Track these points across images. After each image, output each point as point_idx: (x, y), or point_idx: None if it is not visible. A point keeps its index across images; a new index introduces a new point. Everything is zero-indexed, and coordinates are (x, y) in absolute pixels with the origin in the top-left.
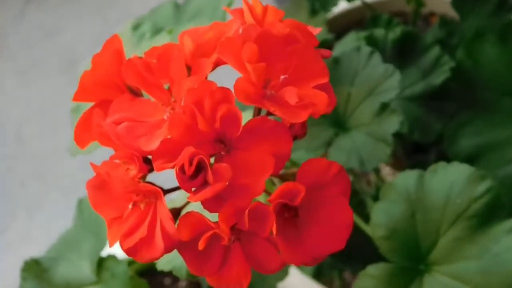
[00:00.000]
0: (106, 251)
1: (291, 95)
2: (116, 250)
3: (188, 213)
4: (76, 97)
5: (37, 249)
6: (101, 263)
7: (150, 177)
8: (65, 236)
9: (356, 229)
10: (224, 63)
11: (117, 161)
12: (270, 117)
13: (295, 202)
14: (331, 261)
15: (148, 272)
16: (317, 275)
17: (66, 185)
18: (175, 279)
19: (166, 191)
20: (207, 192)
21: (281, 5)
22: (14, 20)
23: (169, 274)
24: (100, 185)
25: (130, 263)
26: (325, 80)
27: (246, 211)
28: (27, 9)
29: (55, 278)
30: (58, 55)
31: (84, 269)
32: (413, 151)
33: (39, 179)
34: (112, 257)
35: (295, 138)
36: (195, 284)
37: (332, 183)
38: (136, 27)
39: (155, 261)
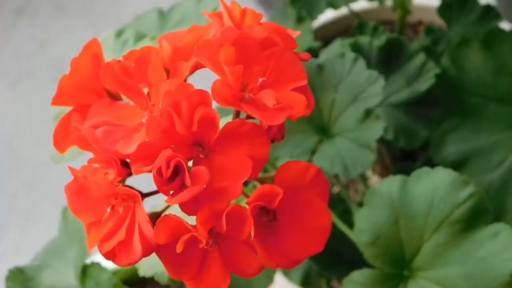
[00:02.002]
0: (91, 259)
1: (268, 97)
2: (101, 257)
3: (165, 216)
4: (55, 102)
5: (29, 260)
6: (85, 271)
7: (132, 182)
8: (50, 245)
9: (342, 236)
10: (203, 66)
11: (96, 165)
12: (249, 121)
13: (273, 205)
14: (318, 268)
15: (138, 283)
16: (305, 283)
17: (58, 196)
18: None
19: (145, 195)
20: (185, 195)
21: (268, 12)
22: (5, 32)
23: (159, 284)
24: (78, 190)
25: (118, 272)
26: (303, 83)
27: (224, 214)
28: (18, 20)
29: (40, 287)
30: (50, 66)
31: (69, 277)
32: (401, 159)
33: (31, 190)
34: (96, 265)
35: (273, 141)
36: None
37: (310, 186)
38: (119, 33)
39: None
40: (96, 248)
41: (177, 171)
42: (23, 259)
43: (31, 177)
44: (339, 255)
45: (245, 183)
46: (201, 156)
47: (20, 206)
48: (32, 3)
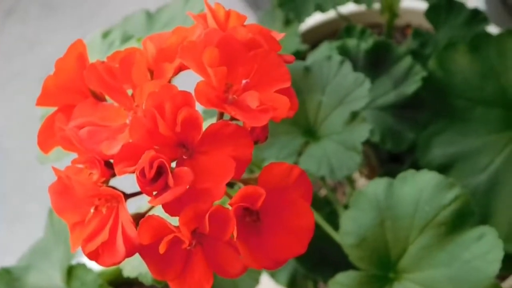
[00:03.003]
0: (77, 260)
1: (252, 99)
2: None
3: (149, 216)
4: (39, 102)
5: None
6: (70, 272)
7: (117, 182)
8: (36, 245)
9: (329, 238)
10: (188, 67)
11: (80, 165)
12: (233, 122)
13: (256, 206)
14: (304, 270)
15: (125, 284)
16: (291, 285)
17: (46, 197)
18: None
19: (129, 196)
20: (167, 196)
21: (256, 15)
22: None
23: (145, 285)
24: (62, 190)
25: (104, 273)
26: (287, 84)
27: (207, 215)
28: (8, 21)
29: (26, 287)
30: (39, 67)
31: (54, 278)
32: (389, 162)
33: (19, 191)
34: (81, 266)
35: (256, 142)
36: None
37: (293, 187)
38: (106, 35)
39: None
40: (80, 248)
41: (161, 171)
42: (11, 260)
43: (19, 177)
44: (325, 257)
45: (231, 185)
46: (184, 157)
47: (8, 206)
48: (22, 3)
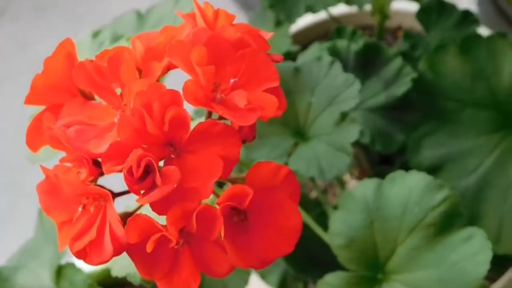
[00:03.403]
0: (67, 259)
1: (240, 98)
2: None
3: (136, 215)
4: (28, 101)
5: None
6: (60, 272)
7: (106, 182)
8: (26, 245)
9: (318, 240)
10: (176, 66)
11: (68, 164)
12: (221, 121)
13: (243, 205)
14: (294, 272)
15: (116, 286)
16: (281, 287)
17: (37, 198)
18: None
19: (117, 195)
20: (155, 195)
21: (248, 16)
22: None
23: (135, 286)
24: (50, 189)
25: (94, 274)
26: (275, 84)
27: (194, 214)
28: (0, 21)
29: (15, 287)
30: (31, 68)
31: (44, 278)
32: (379, 164)
33: (10, 191)
34: (70, 265)
35: (244, 141)
36: None
37: (281, 187)
38: (96, 34)
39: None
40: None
41: (148, 170)
42: (1, 260)
43: (10, 178)
44: (315, 258)
45: (220, 185)
46: (172, 156)
47: None
48: (14, 4)
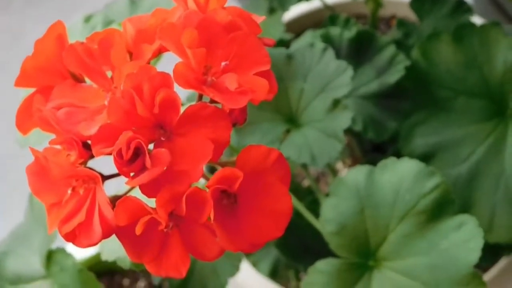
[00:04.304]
0: (58, 245)
1: (231, 81)
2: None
3: (125, 197)
4: (18, 83)
5: None
6: (50, 256)
7: (97, 164)
8: (16, 230)
9: (310, 227)
10: (168, 49)
11: (58, 146)
12: (212, 105)
13: (233, 188)
14: (286, 259)
15: (107, 273)
16: (273, 274)
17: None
18: (134, 280)
19: (106, 177)
20: (144, 177)
21: (241, 3)
22: None
23: (128, 274)
24: (39, 171)
25: (86, 261)
26: (266, 67)
27: (184, 197)
28: None
29: (6, 273)
30: (23, 58)
31: (34, 263)
32: (372, 152)
33: (1, 181)
34: (60, 250)
35: (234, 124)
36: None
37: (271, 170)
38: (88, 19)
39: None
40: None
41: (138, 153)
42: None
43: (3, 166)
44: (307, 246)
45: (211, 170)
46: (162, 138)
47: None
48: None
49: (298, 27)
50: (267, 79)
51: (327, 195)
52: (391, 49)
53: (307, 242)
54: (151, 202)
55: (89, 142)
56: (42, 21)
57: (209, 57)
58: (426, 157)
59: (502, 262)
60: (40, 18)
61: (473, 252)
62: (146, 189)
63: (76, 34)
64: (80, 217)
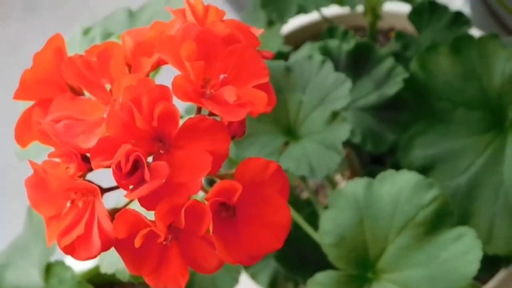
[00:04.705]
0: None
1: (229, 93)
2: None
3: (124, 210)
4: (17, 96)
5: None
6: (49, 269)
7: (96, 177)
8: (15, 242)
9: (309, 239)
10: (166, 62)
11: (57, 159)
12: (210, 117)
13: (232, 200)
14: (285, 271)
15: (106, 285)
16: (272, 287)
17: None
18: None
19: (105, 190)
20: (143, 190)
21: (239, 15)
22: None
23: (127, 287)
24: (38, 183)
25: (85, 273)
26: (265, 80)
27: (183, 209)
28: None
29: (5, 285)
30: (22, 67)
31: (33, 275)
32: (371, 164)
33: (1, 191)
34: (60, 263)
35: (233, 137)
36: None
37: (270, 182)
38: (86, 32)
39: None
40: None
41: (137, 166)
42: None
43: (1, 178)
44: (306, 258)
45: (210, 183)
46: (161, 151)
47: None
48: (5, 3)
49: (296, 39)
50: (265, 91)
51: (326, 207)
52: (389, 61)
53: (306, 254)
54: (150, 215)
55: (88, 155)
56: (40, 30)
57: (208, 69)
58: (425, 169)
59: (501, 274)
60: (39, 27)
61: (472, 264)
62: (145, 202)
63: (75, 47)
64: (79, 229)
